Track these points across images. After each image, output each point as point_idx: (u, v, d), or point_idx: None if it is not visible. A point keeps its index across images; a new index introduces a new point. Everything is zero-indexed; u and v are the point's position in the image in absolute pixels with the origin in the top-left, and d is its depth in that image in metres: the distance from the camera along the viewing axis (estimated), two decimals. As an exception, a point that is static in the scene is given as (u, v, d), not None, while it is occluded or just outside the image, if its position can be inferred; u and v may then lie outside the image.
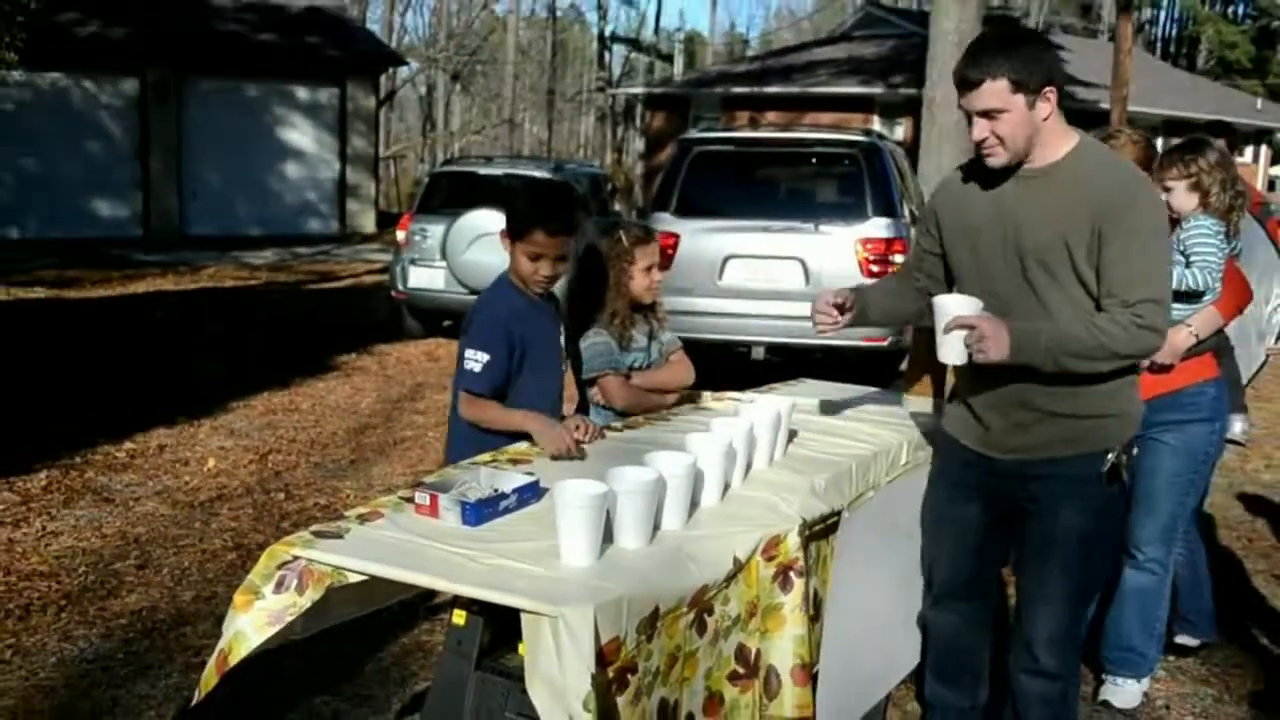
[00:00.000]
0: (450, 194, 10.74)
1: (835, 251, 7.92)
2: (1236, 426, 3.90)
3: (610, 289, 3.46)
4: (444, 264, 10.03)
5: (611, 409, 3.45)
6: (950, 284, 2.89)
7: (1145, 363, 3.14)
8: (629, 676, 2.05)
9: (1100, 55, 24.67)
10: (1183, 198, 3.50)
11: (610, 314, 3.46)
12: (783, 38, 46.68)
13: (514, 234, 3.10)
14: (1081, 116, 25.11)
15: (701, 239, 8.12)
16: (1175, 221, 3.46)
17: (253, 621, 2.21)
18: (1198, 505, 3.94)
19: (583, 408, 3.51)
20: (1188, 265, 3.40)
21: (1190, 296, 3.41)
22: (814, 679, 2.57)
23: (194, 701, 2.35)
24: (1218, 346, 3.59)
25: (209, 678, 2.26)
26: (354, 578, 2.20)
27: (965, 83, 2.58)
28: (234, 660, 2.22)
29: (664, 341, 3.62)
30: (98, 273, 13.91)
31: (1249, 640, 4.27)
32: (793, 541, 2.52)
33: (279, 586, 2.21)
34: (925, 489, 3.07)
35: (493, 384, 3.02)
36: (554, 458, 2.86)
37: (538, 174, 10.66)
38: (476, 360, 3.00)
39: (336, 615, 2.54)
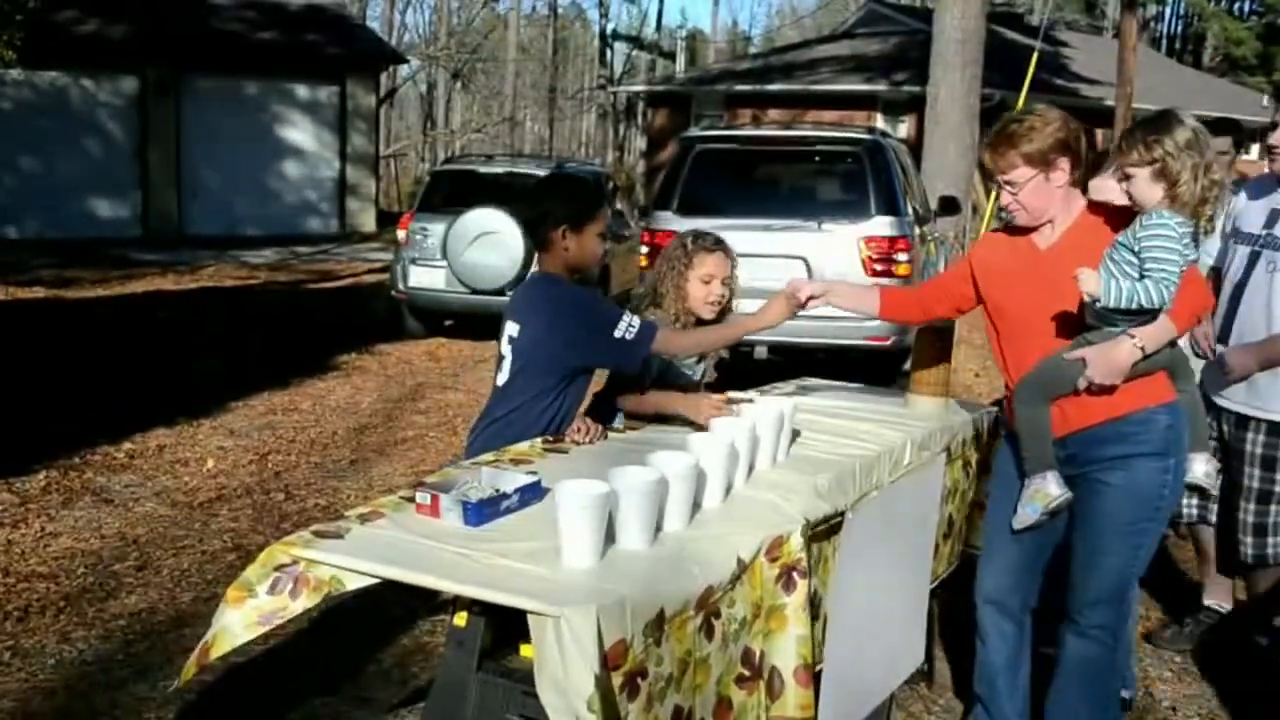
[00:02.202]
0: (451, 193, 10.74)
1: (838, 250, 7.91)
2: (1198, 468, 3.05)
3: (669, 293, 3.50)
4: (445, 263, 10.03)
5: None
6: None
7: (1082, 384, 2.84)
8: (639, 681, 2.05)
9: (1104, 52, 24.65)
10: (1146, 188, 2.78)
11: (673, 317, 3.49)
12: (785, 35, 46.63)
13: (584, 220, 3.17)
14: (1086, 115, 25.09)
15: (704, 238, 8.10)
16: (1133, 215, 2.86)
17: (242, 619, 2.22)
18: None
19: (596, 410, 3.52)
20: (1141, 276, 2.74)
21: (1141, 314, 2.78)
22: (816, 679, 2.57)
23: (171, 688, 2.35)
24: (1172, 364, 2.95)
25: (189, 667, 2.27)
26: (352, 586, 2.20)
27: None
28: (215, 654, 2.24)
29: (706, 369, 3.64)
30: (96, 272, 13.91)
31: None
32: (796, 542, 2.51)
33: (273, 588, 2.21)
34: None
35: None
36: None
37: (539, 172, 10.66)
38: (630, 320, 3.08)
39: None
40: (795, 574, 2.49)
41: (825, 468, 2.89)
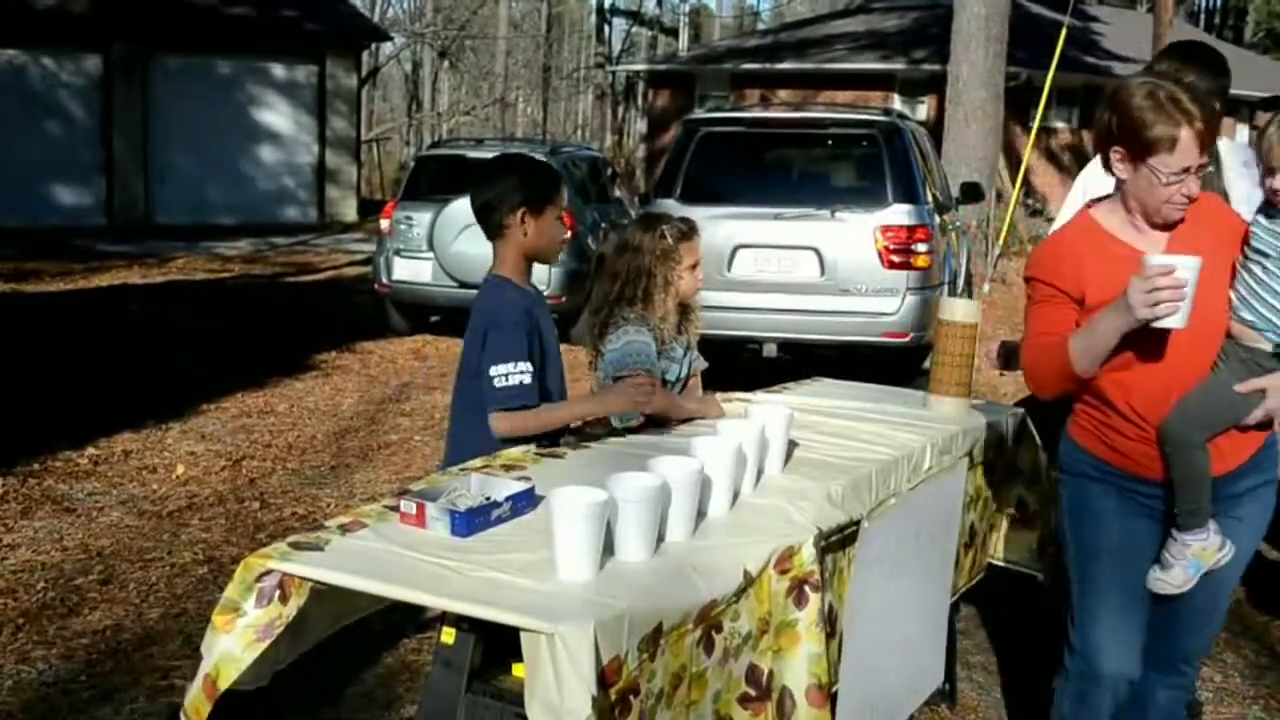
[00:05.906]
0: (438, 179, 10.75)
1: (852, 240, 7.92)
2: None
3: (659, 290, 3.51)
4: (431, 255, 10.03)
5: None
6: None
7: (1258, 416, 2.65)
8: (632, 699, 2.05)
9: (1138, 27, 24.66)
10: None
11: (660, 316, 3.50)
12: (796, 10, 46.64)
13: (542, 202, 3.14)
14: (1119, 94, 25.09)
15: (708, 227, 8.00)
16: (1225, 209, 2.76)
17: (239, 640, 2.21)
18: None
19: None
20: None
21: None
22: (833, 700, 2.57)
23: None
24: None
25: (201, 707, 2.24)
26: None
27: None
28: (224, 684, 2.22)
29: (693, 360, 3.65)
30: (58, 264, 13.91)
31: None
32: (808, 554, 2.51)
33: (260, 600, 2.21)
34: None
35: (539, 394, 3.05)
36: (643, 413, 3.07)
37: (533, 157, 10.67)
38: (523, 373, 2.98)
39: (313, 635, 2.54)
40: (807, 587, 2.49)
41: (839, 474, 2.89)
